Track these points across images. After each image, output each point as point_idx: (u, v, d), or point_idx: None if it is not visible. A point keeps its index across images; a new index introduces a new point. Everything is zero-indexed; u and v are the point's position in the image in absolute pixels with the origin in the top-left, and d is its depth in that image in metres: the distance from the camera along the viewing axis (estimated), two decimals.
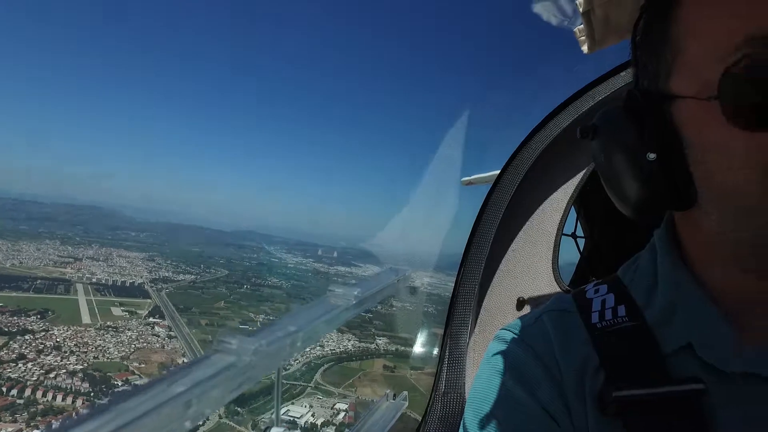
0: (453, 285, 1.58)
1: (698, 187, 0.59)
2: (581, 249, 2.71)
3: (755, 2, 0.52)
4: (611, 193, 0.70)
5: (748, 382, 0.58)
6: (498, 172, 1.64)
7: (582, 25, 0.93)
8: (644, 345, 0.64)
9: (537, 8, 1.05)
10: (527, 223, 1.64)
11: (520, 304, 1.64)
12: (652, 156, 0.61)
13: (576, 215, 2.59)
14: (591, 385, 0.64)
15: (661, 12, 0.63)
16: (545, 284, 1.66)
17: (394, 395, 1.44)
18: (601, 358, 0.65)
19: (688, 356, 0.61)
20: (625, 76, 1.44)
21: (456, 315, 1.56)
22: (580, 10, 0.88)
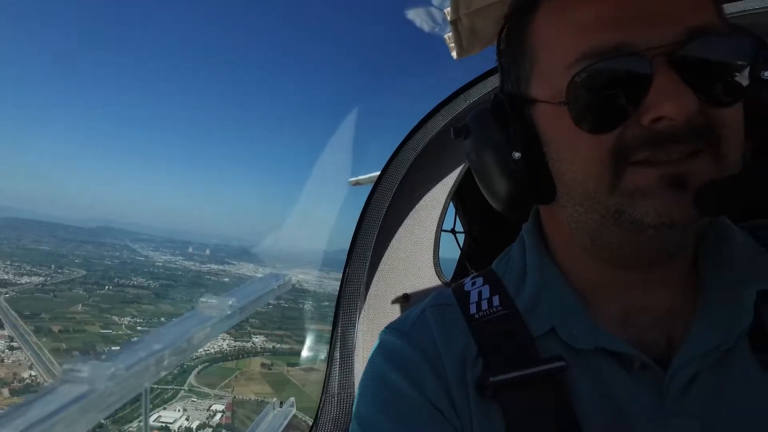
0: (338, 284, 1.58)
1: (556, 183, 0.66)
2: (461, 244, 2.86)
3: (589, 24, 0.59)
4: (483, 188, 0.75)
5: (598, 356, 0.65)
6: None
7: (450, 33, 0.97)
8: (516, 331, 0.69)
9: (410, 15, 1.08)
10: (409, 221, 1.69)
11: (406, 299, 1.68)
12: (517, 155, 0.67)
13: (455, 211, 2.73)
14: (471, 373, 0.68)
15: (519, 25, 0.68)
16: (428, 279, 1.72)
17: (281, 403, 1.40)
18: (479, 346, 0.70)
19: (553, 338, 0.68)
20: (494, 80, 1.53)
21: (343, 314, 1.56)
22: (448, 18, 0.92)
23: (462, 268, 2.80)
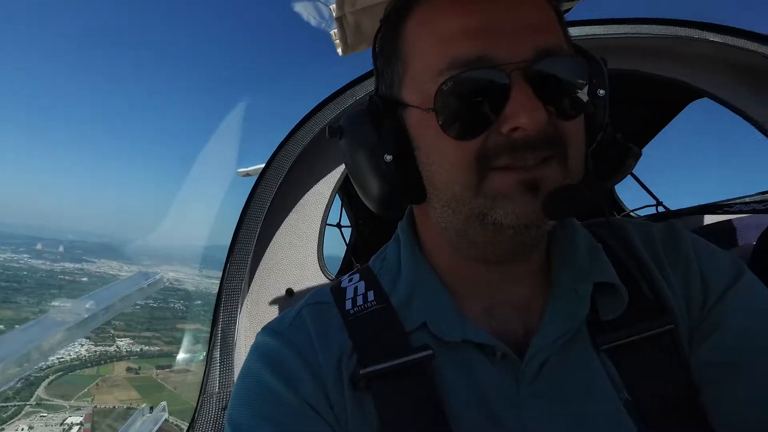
0: (213, 281, 1.51)
1: (426, 185, 0.69)
2: (347, 239, 2.88)
3: (455, 35, 0.62)
4: (357, 189, 0.76)
5: (466, 347, 0.69)
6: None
7: (336, 30, 0.96)
8: (389, 324, 0.72)
9: (297, 8, 1.06)
10: (294, 215, 1.67)
11: (290, 295, 1.66)
12: (388, 157, 0.68)
13: (341, 205, 2.74)
14: (347, 369, 0.69)
15: (393, 29, 0.70)
16: (313, 275, 1.72)
17: (151, 408, 1.31)
18: (354, 342, 0.71)
19: (424, 332, 0.71)
20: None
21: (224, 312, 1.50)
22: (334, 15, 0.91)
23: (348, 264, 2.82)
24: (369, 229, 2.83)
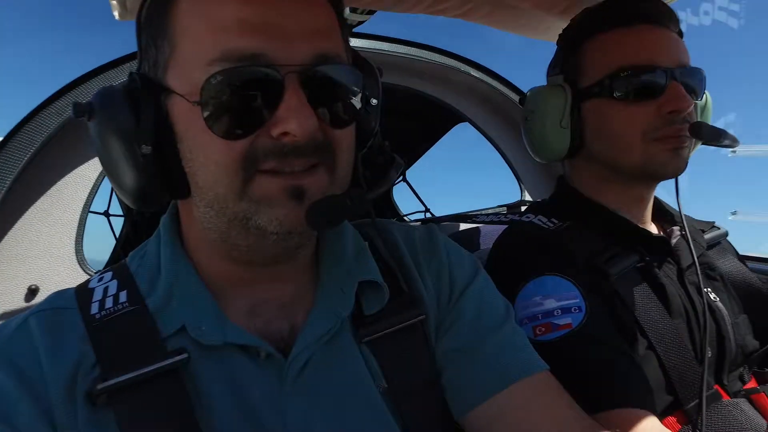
0: None
1: (189, 181, 0.64)
2: (117, 230, 2.55)
3: (231, 26, 0.59)
4: (110, 180, 0.67)
5: (228, 350, 0.66)
6: None
7: None
8: (142, 330, 0.65)
9: None
10: (46, 199, 1.41)
11: (32, 293, 1.39)
12: (147, 149, 0.61)
13: (111, 192, 2.41)
14: (82, 384, 0.60)
15: (162, 6, 0.64)
16: (68, 269, 1.47)
17: None
18: (97, 351, 0.62)
19: (183, 337, 0.65)
20: None
21: None
22: None
23: (116, 259, 2.48)
24: (145, 219, 2.55)
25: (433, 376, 0.76)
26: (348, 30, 0.74)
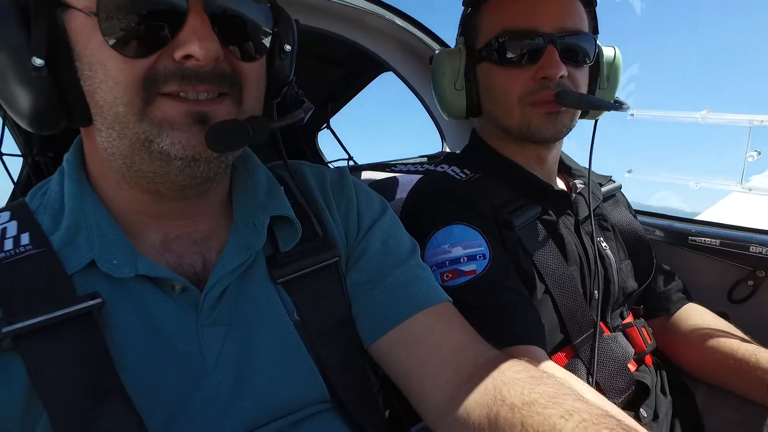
0: None
1: (89, 102, 0.61)
2: (14, 173, 2.32)
3: None
4: (2, 100, 0.62)
5: (141, 283, 0.66)
6: None
7: None
8: (46, 271, 0.62)
9: None
10: None
11: None
12: (38, 61, 0.57)
13: (2, 130, 2.18)
14: None
15: None
16: None
17: None
18: None
19: (93, 273, 0.64)
20: None
21: None
22: None
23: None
24: (49, 160, 2.33)
25: (347, 315, 0.80)
26: None
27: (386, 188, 1.47)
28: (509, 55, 1.04)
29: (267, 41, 0.68)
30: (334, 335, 0.77)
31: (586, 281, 1.10)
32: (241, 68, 0.64)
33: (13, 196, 2.25)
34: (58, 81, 0.60)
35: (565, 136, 1.13)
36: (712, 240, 1.49)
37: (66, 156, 0.72)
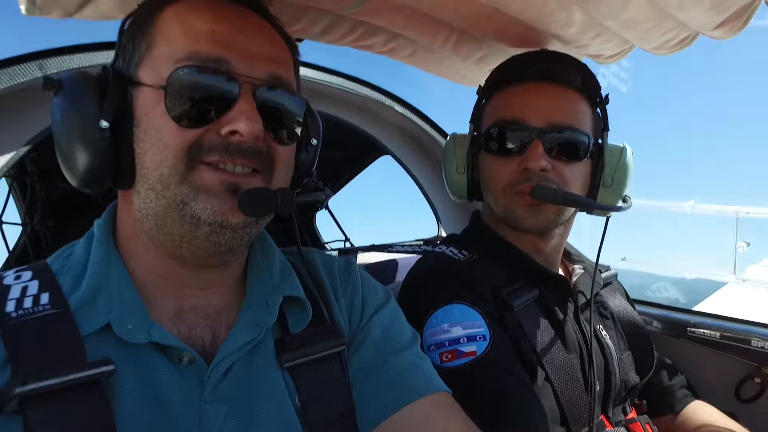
0: None
1: (136, 163, 0.68)
2: (10, 241, 2.31)
3: (204, 33, 0.68)
4: (60, 155, 0.69)
5: (151, 350, 0.66)
6: None
7: None
8: (61, 332, 0.63)
9: None
10: None
11: None
12: (104, 123, 0.65)
13: (8, 196, 2.21)
14: None
15: (149, 12, 0.71)
16: None
17: None
18: (10, 351, 0.59)
19: (106, 335, 0.65)
20: (80, 59, 1.34)
21: None
22: None
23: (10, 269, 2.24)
24: (49, 230, 2.34)
25: (349, 406, 0.78)
26: (299, 70, 0.84)
27: (384, 270, 1.47)
28: (499, 144, 1.09)
29: (299, 130, 0.77)
30: (334, 426, 0.76)
31: (586, 370, 1.07)
32: (275, 150, 0.72)
33: (7, 264, 2.22)
34: (115, 143, 0.67)
35: (554, 229, 1.13)
36: (712, 332, 1.47)
37: (97, 222, 0.76)
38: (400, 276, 1.47)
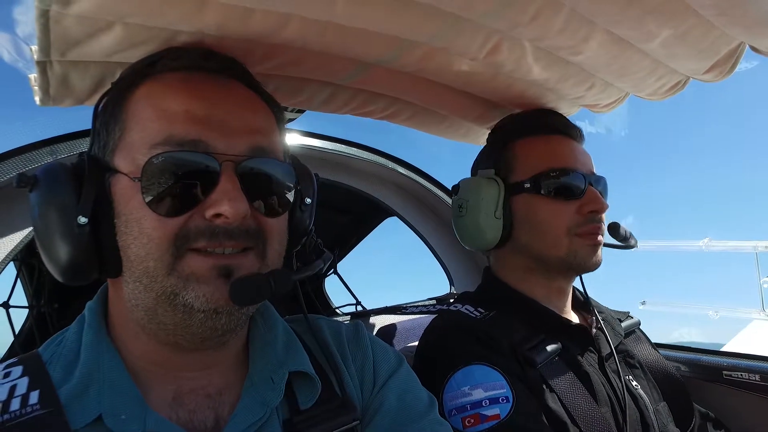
0: None
1: (121, 256, 0.65)
2: (20, 323, 2.30)
3: (177, 114, 0.65)
4: (42, 251, 0.66)
5: None
6: None
7: (37, 75, 0.84)
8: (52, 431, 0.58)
9: None
10: None
11: None
12: (83, 219, 0.63)
13: (16, 280, 2.21)
14: None
15: (120, 95, 0.69)
16: None
17: None
18: None
19: (98, 427, 0.61)
20: (86, 143, 1.39)
21: None
22: (35, 58, 0.80)
23: (13, 353, 2.21)
24: (55, 312, 2.33)
25: None
26: (284, 129, 0.81)
27: (398, 333, 1.43)
28: (557, 189, 1.11)
29: (290, 196, 0.73)
30: None
31: (620, 424, 1.00)
32: (265, 224, 0.69)
33: (11, 349, 2.19)
34: (97, 236, 0.64)
35: None
36: (751, 375, 1.39)
37: (88, 304, 0.73)
38: (415, 337, 1.42)
